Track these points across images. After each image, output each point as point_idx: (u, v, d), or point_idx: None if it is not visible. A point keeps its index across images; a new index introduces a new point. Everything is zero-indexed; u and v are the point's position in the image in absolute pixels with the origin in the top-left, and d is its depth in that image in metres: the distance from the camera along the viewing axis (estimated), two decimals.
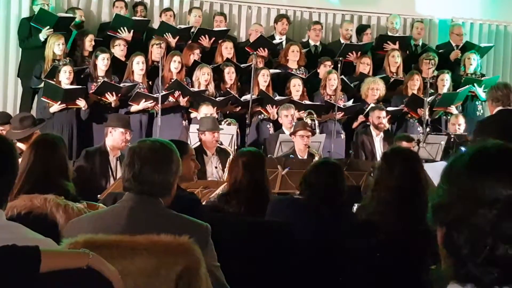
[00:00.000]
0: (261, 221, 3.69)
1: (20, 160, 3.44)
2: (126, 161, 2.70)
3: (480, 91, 9.11)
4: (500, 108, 5.28)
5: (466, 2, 10.84)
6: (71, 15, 8.84)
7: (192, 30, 9.07)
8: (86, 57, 8.41)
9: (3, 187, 2.02)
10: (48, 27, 8.24)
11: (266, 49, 9.10)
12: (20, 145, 5.26)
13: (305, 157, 7.12)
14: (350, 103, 8.53)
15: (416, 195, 3.31)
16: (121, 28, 8.64)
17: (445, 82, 9.00)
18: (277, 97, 8.32)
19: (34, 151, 3.55)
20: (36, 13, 8.55)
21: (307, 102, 8.44)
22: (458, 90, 8.89)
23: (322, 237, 3.68)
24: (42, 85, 7.82)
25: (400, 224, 3.26)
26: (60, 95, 7.53)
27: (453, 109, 8.79)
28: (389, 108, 8.55)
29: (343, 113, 8.39)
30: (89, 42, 8.44)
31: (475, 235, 1.22)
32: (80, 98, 7.65)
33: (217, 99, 7.99)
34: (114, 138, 6.33)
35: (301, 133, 7.27)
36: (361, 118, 8.52)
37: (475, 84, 9.07)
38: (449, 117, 8.79)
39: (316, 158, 7.05)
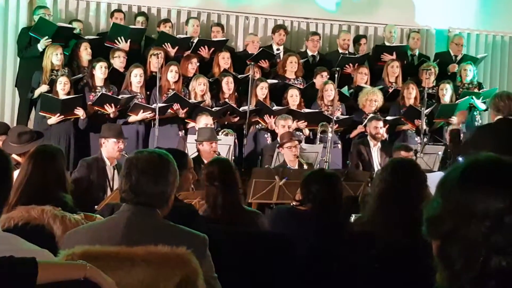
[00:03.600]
0: (259, 232, 3.69)
1: (17, 171, 3.45)
2: (123, 172, 2.69)
3: (479, 103, 9.13)
4: (500, 117, 5.41)
5: (463, 13, 10.86)
6: (70, 25, 8.82)
7: (191, 40, 9.07)
8: (85, 67, 8.35)
9: None
10: (46, 37, 8.20)
11: (267, 61, 9.13)
12: (15, 156, 5.25)
13: (296, 167, 7.07)
14: (344, 115, 8.53)
15: (396, 199, 3.27)
16: (119, 38, 8.63)
17: (445, 91, 8.99)
18: (275, 107, 8.32)
19: (33, 163, 3.53)
20: (35, 22, 8.53)
21: (306, 110, 8.43)
22: (457, 101, 8.88)
23: (322, 247, 3.68)
24: (38, 93, 7.81)
25: (391, 232, 3.24)
26: (57, 107, 7.51)
27: (454, 120, 8.62)
28: (387, 118, 8.55)
29: (337, 125, 8.36)
30: (85, 51, 8.34)
31: (468, 247, 1.23)
32: (78, 107, 7.63)
33: (213, 109, 7.99)
34: (108, 149, 6.40)
35: (288, 145, 7.20)
36: (360, 128, 8.50)
37: (473, 97, 9.07)
38: (448, 127, 8.72)
39: (305, 167, 7.03)
